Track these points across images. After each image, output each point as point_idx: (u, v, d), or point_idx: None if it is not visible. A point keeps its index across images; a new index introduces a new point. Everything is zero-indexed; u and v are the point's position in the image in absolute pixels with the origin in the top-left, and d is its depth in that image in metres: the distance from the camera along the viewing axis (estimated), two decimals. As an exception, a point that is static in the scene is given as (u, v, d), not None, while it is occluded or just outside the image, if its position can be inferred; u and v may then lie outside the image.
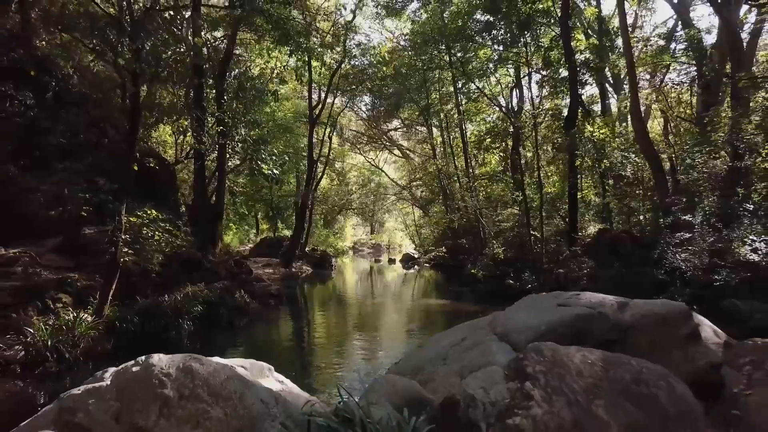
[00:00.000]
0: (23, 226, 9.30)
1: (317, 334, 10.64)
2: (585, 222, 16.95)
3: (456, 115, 22.77)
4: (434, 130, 27.55)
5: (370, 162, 37.37)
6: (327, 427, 2.76)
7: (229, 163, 18.56)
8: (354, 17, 22.18)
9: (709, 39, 16.10)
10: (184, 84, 12.04)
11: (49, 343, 6.75)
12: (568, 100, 15.92)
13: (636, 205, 14.55)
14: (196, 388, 2.86)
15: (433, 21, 20.59)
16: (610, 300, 4.42)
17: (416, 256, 29.75)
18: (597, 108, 19.39)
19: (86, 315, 7.64)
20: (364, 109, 32.06)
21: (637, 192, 14.42)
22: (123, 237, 8.44)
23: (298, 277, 20.21)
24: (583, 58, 15.82)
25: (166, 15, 9.24)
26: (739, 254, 9.24)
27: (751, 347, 4.93)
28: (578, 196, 15.25)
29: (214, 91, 15.51)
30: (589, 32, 17.97)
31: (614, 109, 20.20)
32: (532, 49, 17.35)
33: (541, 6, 15.93)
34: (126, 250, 8.98)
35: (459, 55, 20.77)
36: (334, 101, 25.29)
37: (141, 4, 10.22)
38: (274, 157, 19.55)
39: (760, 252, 9.06)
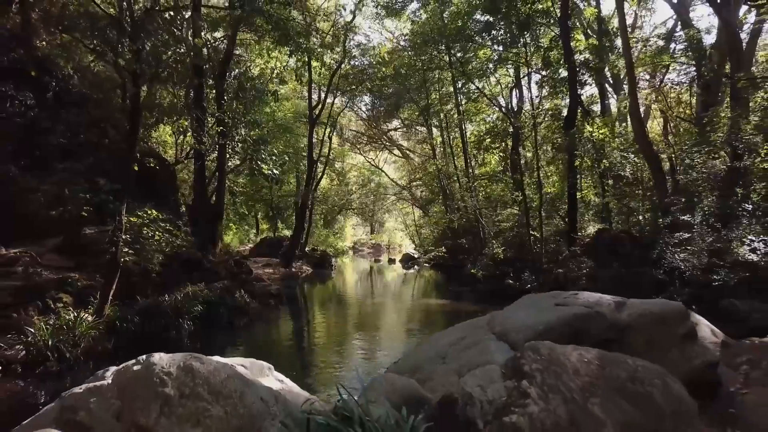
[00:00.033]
0: (24, 226, 9.32)
1: (317, 333, 10.66)
2: (584, 222, 16.97)
3: (456, 115, 22.80)
4: (434, 130, 27.59)
5: (370, 162, 37.40)
6: (326, 425, 2.79)
7: (229, 163, 18.59)
8: (354, 17, 22.22)
9: (709, 39, 16.14)
10: (184, 84, 12.06)
11: (50, 342, 6.78)
12: (567, 101, 15.95)
13: (635, 205, 14.57)
14: (196, 387, 2.88)
15: (433, 21, 20.62)
16: (608, 299, 4.44)
17: (416, 256, 29.78)
18: (596, 108, 19.42)
19: (87, 315, 7.66)
20: (364, 109, 32.15)
21: (637, 192, 14.43)
22: (123, 237, 8.46)
23: (298, 277, 20.23)
24: (582, 59, 15.85)
25: (167, 15, 9.26)
26: (738, 254, 9.27)
27: (749, 347, 4.97)
28: (578, 196, 15.28)
29: (214, 91, 15.55)
30: (589, 32, 17.98)
31: (614, 109, 20.22)
32: (532, 50, 17.37)
33: (540, 6, 15.96)
34: (126, 250, 9.00)
35: (459, 55, 20.80)
36: (334, 101, 25.32)
37: (141, 4, 10.26)
38: (274, 157, 19.59)
39: (758, 252, 9.09)
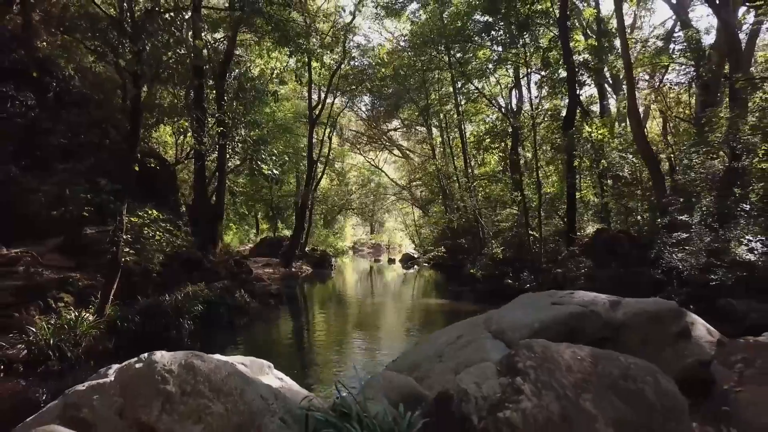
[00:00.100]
0: (25, 226, 9.36)
1: (317, 333, 10.71)
2: (583, 222, 17.02)
3: (455, 116, 22.86)
4: (434, 130, 27.65)
5: (369, 162, 37.45)
6: (325, 421, 2.84)
7: (229, 164, 18.65)
8: (353, 18, 22.27)
9: (708, 39, 16.16)
10: (184, 85, 12.11)
11: (51, 342, 6.84)
12: (566, 101, 16.00)
13: (634, 205, 14.62)
14: (197, 384, 2.93)
15: (433, 22, 20.67)
16: (603, 299, 4.50)
17: (416, 255, 29.83)
18: (596, 108, 19.49)
19: (88, 314, 7.71)
20: (363, 109, 32.20)
21: (635, 192, 14.48)
22: (124, 237, 8.51)
23: (298, 276, 20.28)
24: (581, 59, 15.91)
25: (167, 17, 9.29)
26: (736, 254, 9.32)
27: (743, 345, 5.00)
28: (577, 196, 15.33)
29: (214, 91, 15.60)
30: (588, 33, 18.03)
31: (613, 109, 20.26)
32: (531, 50, 17.42)
33: (539, 7, 16.01)
34: (127, 249, 9.06)
35: (458, 55, 20.85)
36: (333, 101, 25.37)
37: (141, 5, 10.29)
38: (274, 158, 19.62)
39: (756, 252, 9.15)
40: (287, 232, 27.51)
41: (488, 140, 19.68)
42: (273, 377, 3.69)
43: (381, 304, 14.85)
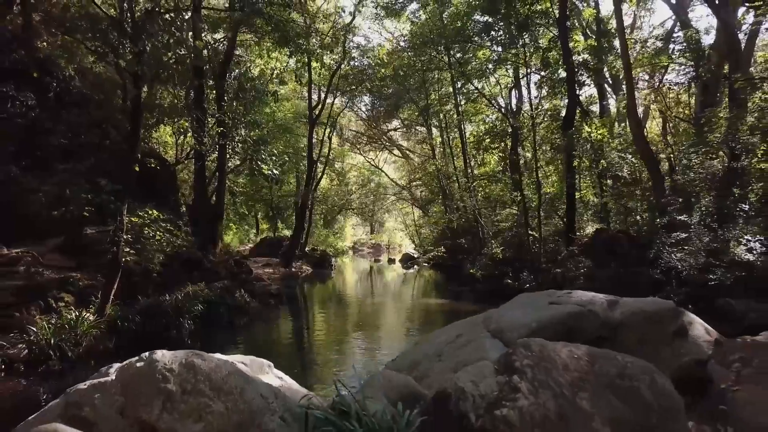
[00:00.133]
0: (25, 227, 9.39)
1: (316, 332, 10.74)
2: (583, 222, 17.04)
3: (455, 116, 22.87)
4: (434, 130, 27.67)
5: (369, 162, 37.48)
6: (324, 419, 2.86)
7: (230, 164, 18.68)
8: (353, 18, 22.29)
9: (708, 40, 16.17)
10: (184, 85, 12.13)
11: (52, 341, 6.87)
12: (566, 101, 16.01)
13: (633, 205, 14.64)
14: (198, 383, 2.95)
15: (432, 22, 20.70)
16: (601, 298, 4.52)
17: (416, 255, 29.86)
18: (595, 108, 19.49)
19: (88, 314, 7.73)
20: (363, 109, 32.23)
21: (635, 192, 14.49)
22: (124, 237, 8.53)
23: (298, 276, 20.31)
24: (581, 59, 15.91)
25: (167, 17, 9.31)
26: (735, 254, 9.35)
27: (741, 345, 5.04)
28: (576, 196, 15.35)
29: (214, 92, 15.62)
30: (588, 33, 18.05)
31: (613, 109, 20.28)
32: (531, 50, 17.43)
33: (539, 7, 16.02)
34: (127, 249, 9.08)
35: (458, 55, 20.86)
36: (333, 101, 25.40)
37: (141, 6, 10.31)
38: (274, 158, 19.66)
39: (755, 251, 9.18)
40: (287, 232, 27.54)
41: (488, 140, 19.69)
42: (273, 376, 3.72)
43: (381, 304, 14.87)
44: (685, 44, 15.24)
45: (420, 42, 21.06)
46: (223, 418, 2.87)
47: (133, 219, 9.87)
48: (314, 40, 18.72)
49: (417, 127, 31.19)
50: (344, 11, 23.63)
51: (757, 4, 11.24)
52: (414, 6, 22.80)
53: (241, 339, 9.57)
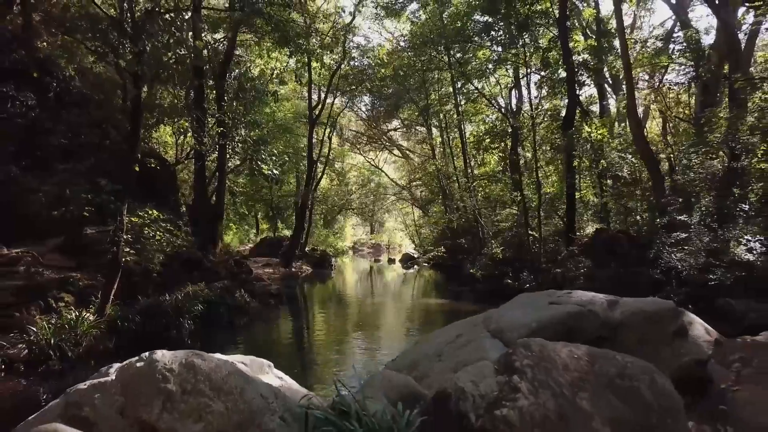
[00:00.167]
0: (25, 227, 9.39)
1: (317, 332, 10.74)
2: (583, 222, 17.04)
3: (455, 116, 22.87)
4: (433, 130, 27.67)
5: (369, 162, 37.48)
6: (324, 419, 2.86)
7: (230, 164, 18.68)
8: (353, 18, 22.30)
9: (708, 40, 16.17)
10: (184, 85, 12.13)
11: (52, 341, 6.87)
12: (566, 101, 16.02)
13: (633, 205, 14.64)
14: (198, 383, 2.95)
15: (432, 22, 20.70)
16: (601, 298, 4.52)
17: (416, 255, 29.86)
18: (595, 108, 19.49)
19: (88, 314, 7.74)
20: (363, 109, 32.23)
21: (635, 192, 14.50)
22: (124, 237, 8.54)
23: (298, 276, 20.31)
24: (581, 59, 15.91)
25: (167, 17, 9.31)
26: (735, 254, 9.35)
27: (741, 345, 5.04)
28: (576, 196, 15.34)
29: (214, 92, 15.62)
30: (588, 33, 18.05)
31: (613, 109, 20.28)
32: (531, 50, 17.43)
33: (539, 7, 16.02)
34: (127, 249, 9.08)
35: (458, 55, 20.86)
36: (333, 101, 25.40)
37: (141, 6, 10.31)
38: (274, 158, 19.66)
39: (755, 251, 9.18)
40: (287, 232, 27.54)
41: (488, 140, 19.68)
42: (273, 376, 3.72)
43: (381, 304, 14.87)
44: (685, 44, 15.24)
45: (420, 42, 21.06)
46: (223, 418, 2.87)
47: (133, 219, 9.87)
48: (314, 40, 18.73)
49: (417, 127, 31.20)
50: (344, 11, 23.63)
51: (757, 4, 11.24)
52: (414, 6, 22.85)
53: (241, 339, 9.57)
